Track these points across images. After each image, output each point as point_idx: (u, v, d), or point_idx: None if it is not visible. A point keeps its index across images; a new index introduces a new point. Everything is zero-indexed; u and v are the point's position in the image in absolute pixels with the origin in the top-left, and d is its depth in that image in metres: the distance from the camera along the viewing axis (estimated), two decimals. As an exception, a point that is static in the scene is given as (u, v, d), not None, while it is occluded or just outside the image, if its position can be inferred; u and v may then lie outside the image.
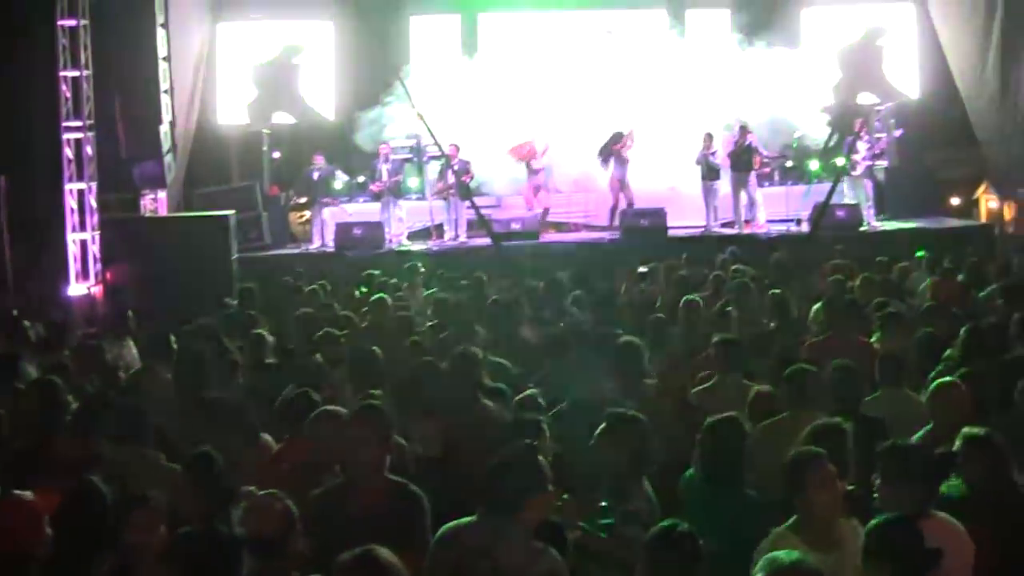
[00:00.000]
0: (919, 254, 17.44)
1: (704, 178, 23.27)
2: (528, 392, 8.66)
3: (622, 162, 23.56)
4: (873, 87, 25.52)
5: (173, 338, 11.01)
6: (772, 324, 11.83)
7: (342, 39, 26.48)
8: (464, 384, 8.68)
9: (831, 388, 8.14)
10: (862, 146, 23.41)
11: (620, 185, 23.57)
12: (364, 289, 16.87)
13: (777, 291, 12.88)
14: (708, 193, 23.32)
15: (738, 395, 8.61)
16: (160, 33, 21.22)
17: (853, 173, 23.29)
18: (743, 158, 23.17)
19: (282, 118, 25.73)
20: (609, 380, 8.59)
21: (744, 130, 23.43)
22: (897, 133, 25.63)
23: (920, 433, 7.65)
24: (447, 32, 27.47)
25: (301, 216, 25.10)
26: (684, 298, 12.28)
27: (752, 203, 23.56)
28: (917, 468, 6.20)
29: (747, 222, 23.47)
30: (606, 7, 27.54)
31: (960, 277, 14.75)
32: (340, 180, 24.37)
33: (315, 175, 23.55)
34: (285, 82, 25.78)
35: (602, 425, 6.96)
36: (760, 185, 24.17)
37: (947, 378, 7.91)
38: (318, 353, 10.73)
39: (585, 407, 7.93)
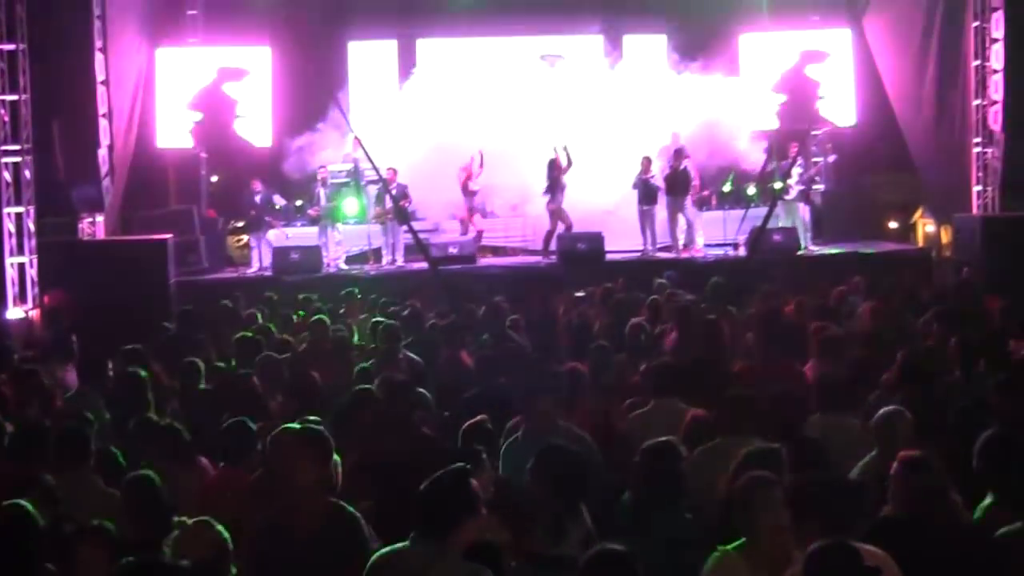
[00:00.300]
0: None
1: (641, 202, 23.29)
2: (479, 419, 8.59)
3: (559, 188, 23.55)
4: (806, 113, 25.67)
5: (110, 362, 10.89)
6: (709, 348, 11.82)
7: (280, 65, 26.41)
8: (397, 410, 8.64)
9: (768, 412, 8.14)
10: (796, 171, 23.54)
11: (557, 210, 23.55)
12: (302, 313, 16.81)
13: (712, 316, 12.89)
14: (645, 217, 23.34)
15: (674, 419, 8.59)
16: (99, 57, 21.06)
17: (787, 197, 23.39)
18: (679, 182, 23.22)
19: (213, 141, 25.61)
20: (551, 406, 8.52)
21: (679, 154, 23.47)
22: (832, 158, 25.83)
23: (866, 459, 7.66)
24: (385, 57, 27.49)
25: (238, 240, 24.98)
26: (631, 322, 12.26)
27: (690, 227, 23.63)
28: (831, 501, 6.21)
29: (685, 246, 23.54)
30: (543, 33, 27.67)
31: (897, 301, 14.81)
32: (278, 204, 24.27)
33: (255, 199, 23.41)
34: (217, 106, 25.70)
35: (534, 457, 6.95)
36: (699, 210, 24.26)
37: (893, 406, 7.88)
38: (256, 377, 10.64)
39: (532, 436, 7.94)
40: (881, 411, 7.81)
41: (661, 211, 23.65)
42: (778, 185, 23.37)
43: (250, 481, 7.70)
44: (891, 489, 6.64)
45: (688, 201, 23.60)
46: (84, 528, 6.41)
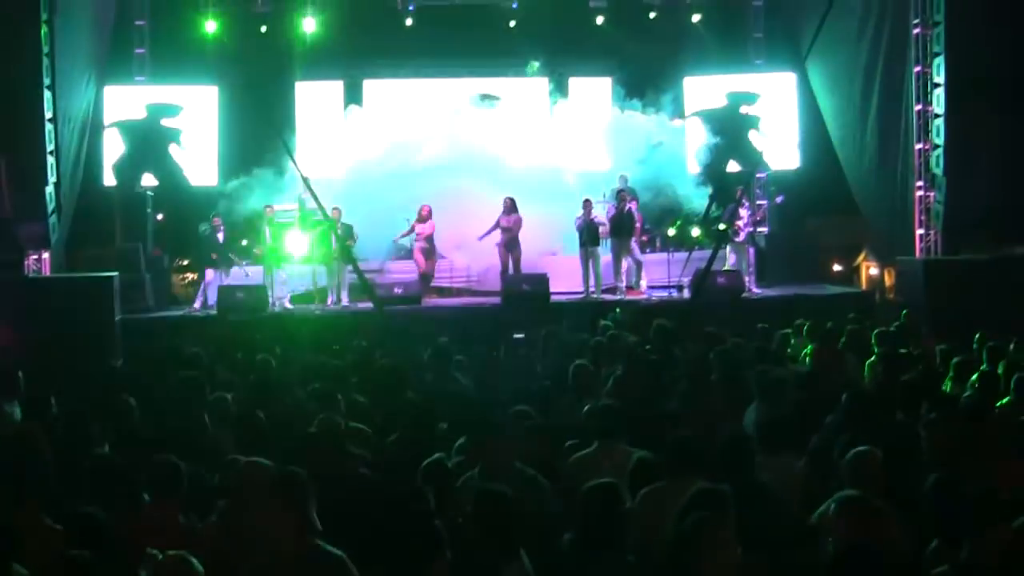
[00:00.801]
0: None
1: (584, 244, 23.35)
2: (435, 457, 8.53)
3: (508, 229, 23.62)
4: (746, 155, 25.80)
5: (54, 400, 10.80)
6: (654, 390, 11.82)
7: (227, 104, 26.41)
8: (332, 452, 8.60)
9: (715, 454, 8.14)
10: (744, 213, 23.65)
11: (506, 249, 23.62)
12: (240, 355, 16.68)
13: (655, 357, 12.91)
14: (588, 259, 23.40)
15: (620, 461, 8.57)
16: (46, 95, 20.96)
17: (736, 240, 23.52)
18: (624, 224, 23.31)
19: (149, 180, 25.53)
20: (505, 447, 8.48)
21: (624, 196, 23.57)
22: (778, 200, 26.00)
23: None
24: (331, 97, 27.53)
25: (183, 278, 24.85)
26: (574, 364, 12.22)
27: (634, 269, 23.69)
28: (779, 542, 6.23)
29: (629, 288, 23.59)
30: (489, 75, 27.81)
31: (841, 344, 14.87)
32: (224, 243, 24.22)
33: (200, 236, 23.31)
34: (152, 144, 25.61)
35: (473, 502, 6.93)
36: (642, 251, 24.36)
37: (863, 447, 7.87)
38: (204, 416, 10.57)
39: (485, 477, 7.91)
40: (852, 452, 7.82)
41: (604, 252, 23.75)
42: (723, 227, 23.47)
43: (212, 525, 7.62)
44: (832, 528, 6.67)
45: (633, 243, 23.69)
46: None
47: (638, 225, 23.78)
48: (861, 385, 11.22)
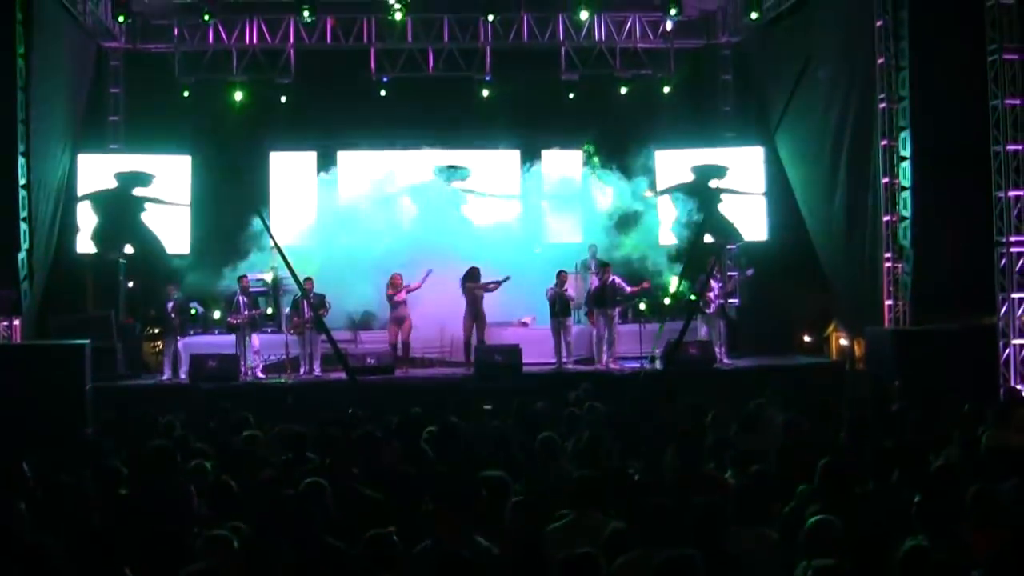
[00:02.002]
0: None
1: (555, 315, 23.48)
2: (387, 530, 8.55)
3: (474, 299, 23.72)
4: (719, 228, 26.01)
5: (26, 467, 10.78)
6: (629, 461, 11.86)
7: (200, 172, 26.49)
8: (307, 520, 8.62)
9: (688, 524, 8.17)
10: (715, 284, 23.79)
11: (473, 320, 23.70)
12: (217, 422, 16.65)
13: (629, 426, 12.96)
14: (559, 329, 23.51)
15: (594, 532, 8.60)
16: (20, 160, 21.00)
17: (708, 311, 23.67)
18: (607, 295, 23.45)
19: (128, 248, 25.67)
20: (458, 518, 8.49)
21: (606, 268, 23.73)
22: (748, 272, 26.14)
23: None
24: (305, 167, 27.61)
25: (155, 346, 24.82)
26: (543, 435, 12.23)
27: (612, 340, 23.75)
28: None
29: (606, 360, 23.65)
30: (462, 147, 28.01)
31: (811, 413, 14.94)
32: (196, 311, 24.27)
33: (170, 305, 23.31)
34: (125, 213, 25.75)
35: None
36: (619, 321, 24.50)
37: (823, 516, 7.92)
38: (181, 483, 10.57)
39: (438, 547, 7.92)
40: (811, 520, 7.88)
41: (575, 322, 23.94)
42: (694, 298, 23.59)
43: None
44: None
45: (615, 313, 23.79)
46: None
47: (629, 291, 23.81)
48: (833, 454, 11.24)
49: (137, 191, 25.81)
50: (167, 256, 25.62)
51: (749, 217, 26.46)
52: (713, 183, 26.38)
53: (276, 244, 22.16)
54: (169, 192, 26.14)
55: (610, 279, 23.56)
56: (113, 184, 25.66)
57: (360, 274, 24.85)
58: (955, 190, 20.48)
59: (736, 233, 26.29)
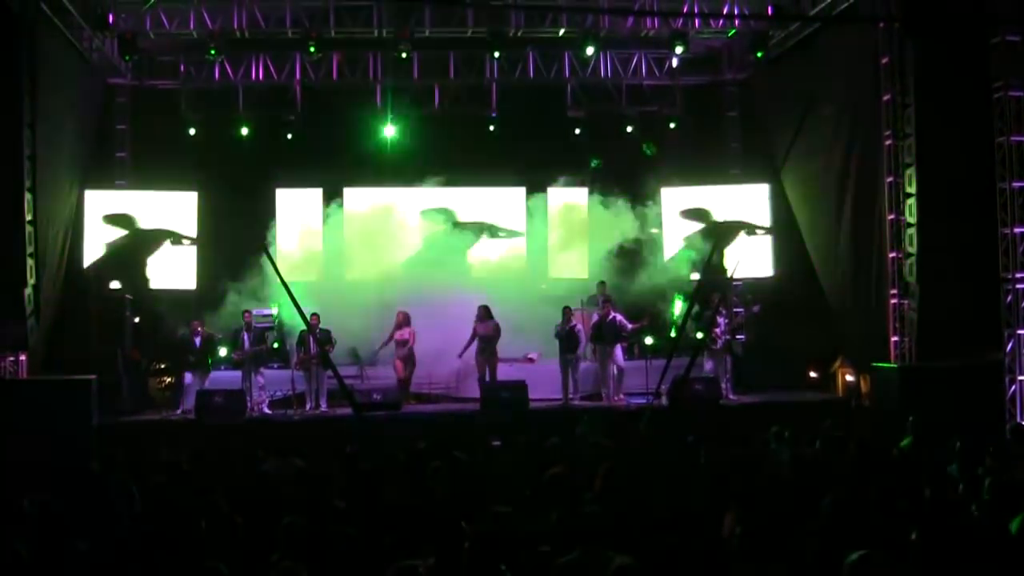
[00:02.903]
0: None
1: (563, 351, 23.52)
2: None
3: (482, 337, 23.73)
4: (720, 265, 26.02)
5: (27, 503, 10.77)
6: (634, 496, 11.83)
7: (206, 209, 26.55)
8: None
9: (694, 560, 8.14)
10: (721, 321, 23.78)
11: (483, 357, 23.68)
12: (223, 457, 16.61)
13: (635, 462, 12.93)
14: (567, 366, 23.53)
15: (601, 568, 8.56)
16: (28, 196, 21.07)
17: (714, 347, 23.66)
18: (605, 331, 23.45)
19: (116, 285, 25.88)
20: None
21: (608, 303, 23.77)
22: (755, 309, 26.12)
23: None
24: (311, 203, 27.62)
25: (160, 381, 24.80)
26: (550, 471, 12.20)
27: (617, 375, 23.73)
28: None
29: (612, 395, 23.64)
30: (468, 184, 28.01)
31: (818, 450, 14.92)
32: (201, 347, 24.27)
33: (197, 341, 23.34)
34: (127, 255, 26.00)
35: None
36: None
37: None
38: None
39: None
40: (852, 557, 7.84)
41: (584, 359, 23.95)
42: (700, 335, 23.57)
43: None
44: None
45: (618, 350, 23.78)
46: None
47: (630, 327, 23.81)
48: (841, 490, 11.21)
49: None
50: (148, 293, 25.84)
51: (755, 254, 26.45)
52: (725, 219, 26.43)
53: (282, 280, 22.08)
54: (175, 227, 26.26)
55: (610, 316, 23.59)
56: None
57: (365, 310, 24.84)
58: (961, 226, 20.49)
59: (733, 269, 26.11)
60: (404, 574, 8.03)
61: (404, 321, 23.91)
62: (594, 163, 28.20)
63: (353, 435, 18.13)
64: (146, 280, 26.08)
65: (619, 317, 23.79)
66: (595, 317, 23.90)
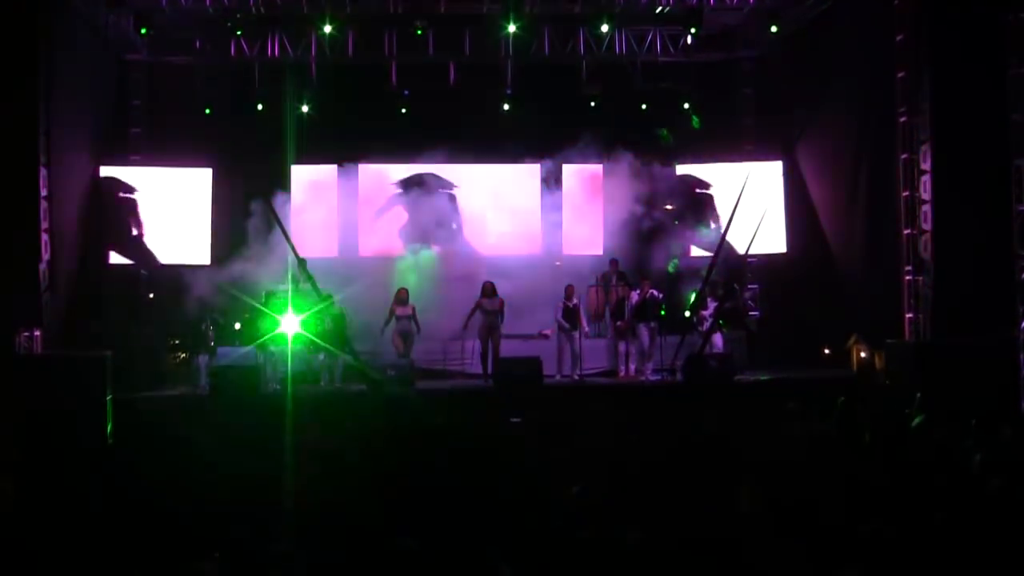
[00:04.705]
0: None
1: (563, 330, 23.69)
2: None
3: (487, 313, 23.70)
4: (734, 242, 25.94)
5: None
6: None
7: (221, 185, 26.59)
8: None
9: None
10: (710, 303, 23.83)
11: (487, 333, 23.67)
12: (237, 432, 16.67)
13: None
14: (566, 341, 23.71)
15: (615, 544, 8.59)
16: (42, 172, 21.13)
17: (701, 328, 23.60)
18: (648, 308, 23.59)
19: (116, 258, 26.08)
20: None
21: (647, 283, 23.92)
22: (751, 287, 26.20)
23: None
24: (326, 179, 27.63)
25: (175, 357, 24.83)
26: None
27: (651, 354, 23.74)
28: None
29: (633, 370, 23.73)
30: (482, 161, 28.01)
31: (833, 427, 14.94)
32: (219, 322, 24.30)
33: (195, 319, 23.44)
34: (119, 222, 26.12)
35: None
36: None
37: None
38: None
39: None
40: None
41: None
42: (688, 314, 23.65)
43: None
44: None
45: (655, 327, 23.82)
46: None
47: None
48: (857, 468, 11.26)
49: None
50: (151, 269, 25.96)
51: (769, 230, 26.42)
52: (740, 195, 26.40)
53: (297, 256, 22.18)
54: (189, 204, 26.38)
55: (649, 292, 23.67)
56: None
57: (380, 287, 24.83)
58: (975, 203, 20.47)
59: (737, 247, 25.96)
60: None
61: (405, 297, 23.86)
62: (664, 135, 28.12)
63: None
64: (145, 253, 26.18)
65: (656, 292, 23.84)
66: (635, 296, 23.91)
